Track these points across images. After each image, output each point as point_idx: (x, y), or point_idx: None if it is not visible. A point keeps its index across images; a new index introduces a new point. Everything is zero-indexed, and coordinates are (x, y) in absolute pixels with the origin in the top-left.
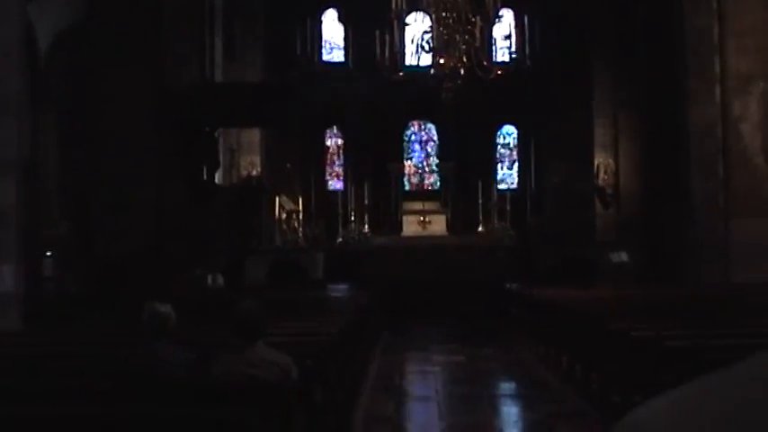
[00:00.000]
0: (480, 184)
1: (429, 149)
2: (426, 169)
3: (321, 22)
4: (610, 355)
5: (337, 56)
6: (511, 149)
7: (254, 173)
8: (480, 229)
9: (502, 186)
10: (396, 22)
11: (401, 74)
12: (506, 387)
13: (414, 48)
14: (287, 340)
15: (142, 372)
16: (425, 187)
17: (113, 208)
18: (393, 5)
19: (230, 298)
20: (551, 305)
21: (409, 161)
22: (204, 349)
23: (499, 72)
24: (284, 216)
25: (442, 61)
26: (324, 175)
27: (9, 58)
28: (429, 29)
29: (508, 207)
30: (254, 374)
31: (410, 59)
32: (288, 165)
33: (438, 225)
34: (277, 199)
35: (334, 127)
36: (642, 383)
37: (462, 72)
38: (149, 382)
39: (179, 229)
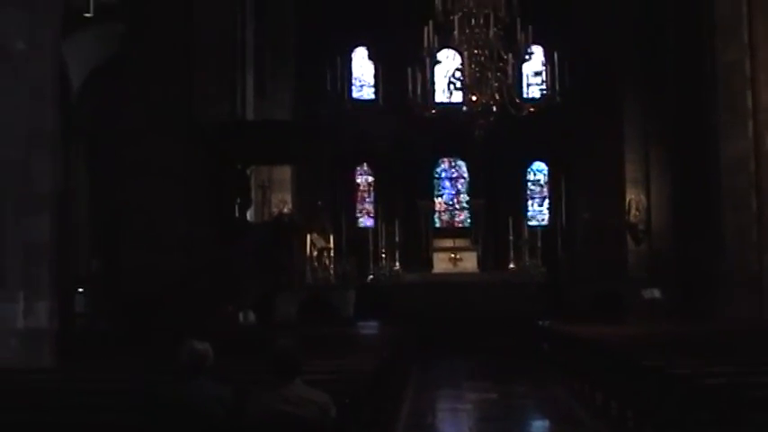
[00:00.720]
0: (511, 220)
1: (459, 186)
2: (457, 206)
3: (351, 59)
4: (645, 391)
5: (367, 93)
6: (541, 186)
7: (286, 210)
8: (511, 265)
9: (532, 223)
10: (427, 60)
11: (433, 111)
12: (540, 425)
13: (445, 85)
14: (319, 378)
15: (181, 408)
16: (456, 224)
17: (143, 244)
18: (425, 43)
19: (264, 335)
20: (584, 341)
21: (439, 198)
22: (241, 386)
23: (531, 109)
24: (315, 253)
25: (474, 98)
26: (354, 212)
27: (44, 93)
28: (460, 66)
29: (539, 243)
30: (291, 412)
31: (441, 96)
32: (319, 202)
33: (469, 262)
34: (308, 236)
35: (365, 164)
36: (677, 420)
37: (494, 109)
38: (188, 418)
39: (209, 266)
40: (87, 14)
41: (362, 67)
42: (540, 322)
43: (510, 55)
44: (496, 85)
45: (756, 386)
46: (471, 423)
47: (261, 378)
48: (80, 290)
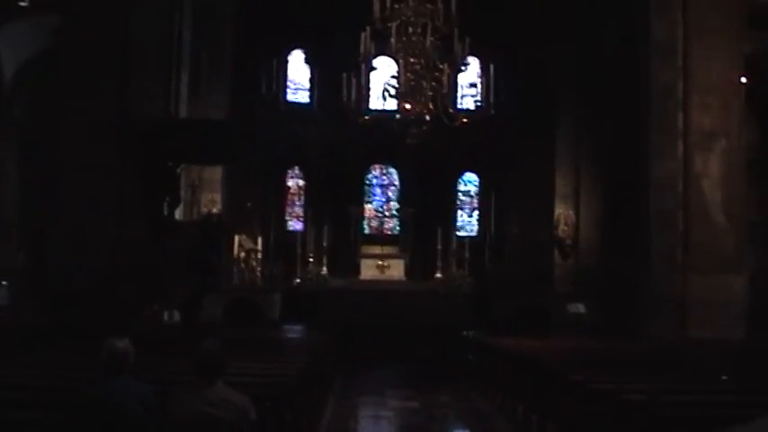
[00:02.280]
0: (440, 230)
1: (390, 194)
2: (386, 214)
3: (287, 62)
4: (567, 406)
5: (302, 97)
6: (471, 197)
7: (215, 210)
8: (438, 275)
9: (461, 233)
10: (363, 66)
11: (366, 117)
12: None
13: (380, 92)
14: (242, 380)
15: (101, 407)
16: (385, 232)
17: (71, 239)
18: (361, 49)
19: (188, 335)
20: (508, 354)
21: (370, 205)
22: (163, 386)
23: (464, 120)
24: (243, 255)
25: (408, 107)
26: (284, 215)
27: None
28: (396, 74)
29: (467, 254)
30: (212, 414)
31: (376, 103)
32: (248, 204)
33: (396, 270)
34: (236, 238)
35: (297, 168)
36: None
37: (428, 118)
38: (108, 417)
39: (137, 264)
40: (23, 3)
41: (298, 71)
42: (466, 333)
43: (446, 65)
44: (431, 94)
45: (676, 404)
46: (392, 430)
47: (184, 378)
48: (4, 282)
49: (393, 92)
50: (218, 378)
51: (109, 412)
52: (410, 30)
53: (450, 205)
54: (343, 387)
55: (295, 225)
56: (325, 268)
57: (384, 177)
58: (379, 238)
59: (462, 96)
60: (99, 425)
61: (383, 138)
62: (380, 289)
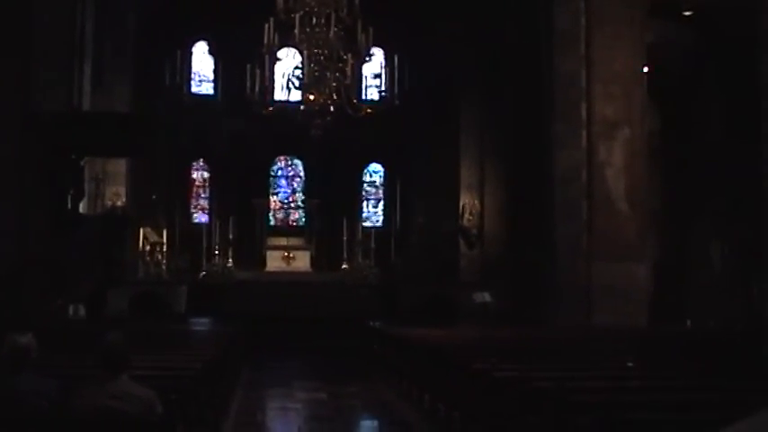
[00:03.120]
0: (345, 221)
1: (295, 185)
2: (292, 205)
3: (191, 53)
4: (473, 394)
5: (206, 88)
6: (377, 187)
7: (119, 203)
8: (344, 266)
9: (367, 224)
10: (267, 57)
11: (270, 109)
12: (368, 425)
13: (284, 83)
14: (147, 374)
15: (3, 403)
16: (290, 223)
17: None
18: (265, 40)
19: (93, 329)
20: (414, 344)
21: (275, 197)
22: (66, 381)
23: (369, 110)
24: (148, 248)
25: (311, 97)
26: (189, 207)
27: None
28: (300, 65)
29: (373, 245)
30: (116, 408)
31: (280, 95)
32: (153, 196)
33: (302, 261)
34: (141, 230)
35: (201, 160)
36: (505, 424)
37: (332, 109)
38: (11, 414)
39: (40, 258)
40: None
41: (202, 62)
42: (372, 324)
43: (350, 56)
44: (335, 85)
45: (581, 390)
46: (300, 422)
47: (87, 373)
48: None
49: (297, 83)
50: (122, 372)
51: (12, 408)
52: (314, 20)
53: (355, 196)
54: (251, 379)
55: (200, 217)
56: (230, 260)
57: (289, 169)
58: (285, 229)
59: (367, 87)
60: (2, 421)
61: (288, 129)
62: (287, 280)
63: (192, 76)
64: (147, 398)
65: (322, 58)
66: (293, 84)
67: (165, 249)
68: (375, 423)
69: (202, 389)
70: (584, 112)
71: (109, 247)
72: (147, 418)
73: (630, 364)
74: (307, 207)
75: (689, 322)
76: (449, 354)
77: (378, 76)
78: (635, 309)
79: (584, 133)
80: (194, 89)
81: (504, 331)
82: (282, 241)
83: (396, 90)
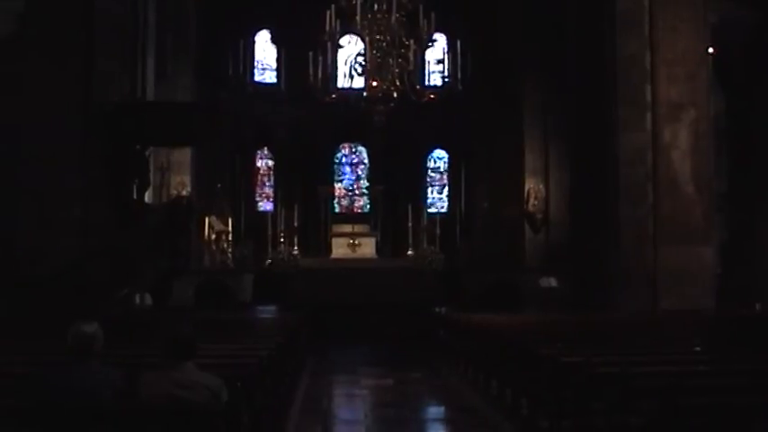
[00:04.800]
0: (410, 207)
1: (359, 172)
2: (356, 192)
3: (254, 42)
4: (539, 380)
5: (269, 77)
6: (441, 173)
7: (185, 193)
8: (409, 252)
9: (432, 210)
10: (329, 44)
11: (333, 96)
12: (435, 411)
13: (346, 70)
14: (214, 362)
15: (68, 393)
16: (355, 210)
17: (38, 225)
18: (327, 27)
19: (158, 318)
20: (480, 329)
21: (339, 184)
22: (132, 370)
23: (431, 96)
24: (213, 237)
25: (374, 84)
26: (254, 196)
27: None
28: (362, 51)
29: (437, 231)
30: (182, 396)
31: (343, 82)
32: (218, 185)
33: (367, 248)
34: (207, 219)
35: (265, 148)
36: (571, 409)
37: (395, 95)
38: (76, 402)
39: (105, 248)
40: None
41: (265, 51)
42: (437, 309)
43: (412, 41)
44: (397, 71)
45: (646, 375)
46: (367, 408)
47: (153, 361)
48: None
49: (360, 70)
50: (188, 360)
51: (76, 397)
52: (375, 7)
53: (419, 182)
54: (316, 366)
55: (265, 205)
56: (296, 248)
57: (353, 156)
58: (350, 216)
59: (430, 73)
60: (67, 410)
61: (351, 116)
62: (352, 267)
63: (255, 64)
64: (213, 386)
65: (384, 44)
66: (356, 71)
67: (230, 238)
68: (441, 409)
69: (267, 377)
70: (648, 95)
71: (174, 236)
72: (213, 406)
73: (698, 348)
74: (371, 194)
75: (758, 306)
76: (514, 339)
77: (440, 61)
78: (702, 292)
79: (648, 116)
80: (257, 78)
81: (570, 316)
82: (347, 228)
83: (459, 75)
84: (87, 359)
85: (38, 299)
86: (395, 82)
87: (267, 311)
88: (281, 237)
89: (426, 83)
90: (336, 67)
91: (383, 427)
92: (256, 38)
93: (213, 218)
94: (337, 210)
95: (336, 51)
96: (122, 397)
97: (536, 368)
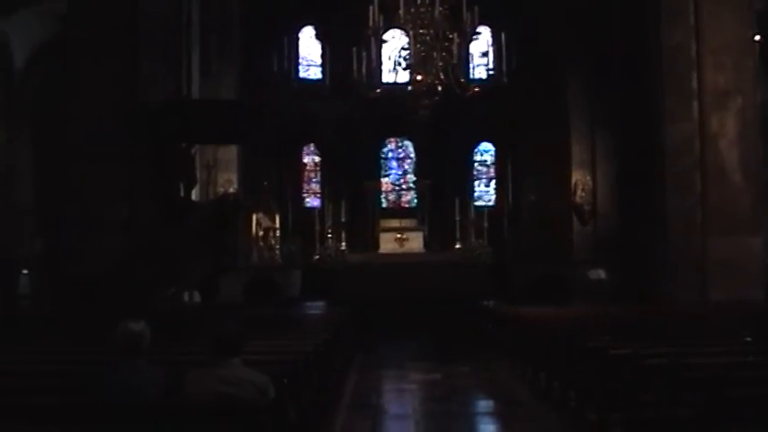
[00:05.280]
0: (457, 201)
1: (406, 167)
2: (403, 186)
3: (298, 39)
4: (587, 373)
5: (314, 73)
6: (488, 166)
7: (231, 190)
8: (457, 246)
9: (479, 203)
10: (373, 39)
11: (378, 91)
12: (484, 405)
13: (391, 65)
14: (262, 359)
15: (116, 390)
16: (402, 205)
17: (85, 225)
18: (370, 22)
19: (206, 315)
20: (528, 322)
21: (386, 178)
22: (179, 367)
23: (476, 89)
24: (261, 233)
25: (419, 78)
26: (301, 192)
27: None
28: (406, 46)
29: (485, 224)
30: (228, 393)
31: (387, 76)
32: (265, 182)
33: (415, 242)
34: (254, 216)
35: (312, 144)
36: (619, 402)
37: (439, 89)
38: (123, 401)
39: (153, 246)
40: None
41: (310, 47)
42: (485, 303)
43: (456, 35)
44: (441, 65)
45: (695, 366)
46: (416, 403)
47: (200, 359)
48: (25, 271)
49: (404, 64)
50: (234, 357)
51: (124, 395)
52: (418, 1)
53: (466, 175)
54: (365, 361)
55: (312, 201)
56: (343, 244)
57: (399, 150)
58: (397, 211)
59: (476, 66)
60: (114, 408)
61: (397, 110)
62: (400, 262)
63: (300, 61)
64: (259, 382)
65: (428, 38)
66: (400, 65)
67: (277, 234)
68: (490, 403)
69: (314, 373)
70: (694, 83)
71: (221, 233)
72: (259, 402)
73: (748, 339)
74: (418, 188)
75: None
76: (562, 332)
77: (485, 54)
78: (752, 283)
79: (695, 104)
80: (302, 74)
81: (618, 309)
82: (395, 223)
83: (504, 68)
84: (134, 358)
85: (85, 298)
86: (439, 76)
87: (315, 307)
88: (328, 232)
89: (471, 76)
90: (381, 62)
91: (432, 421)
92: (300, 34)
93: (260, 215)
94: (384, 205)
95: (380, 46)
96: (168, 395)
97: (584, 361)
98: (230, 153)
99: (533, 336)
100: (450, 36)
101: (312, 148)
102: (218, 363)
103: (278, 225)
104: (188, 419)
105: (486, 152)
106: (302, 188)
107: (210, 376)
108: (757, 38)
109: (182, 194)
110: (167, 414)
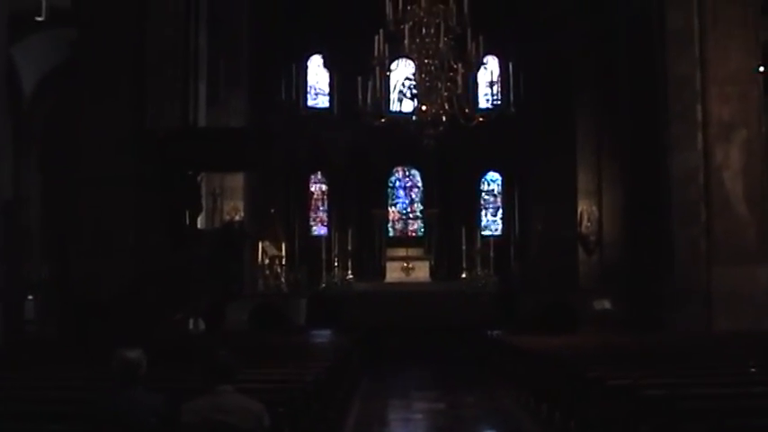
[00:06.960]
0: (464, 230)
1: (413, 196)
2: (410, 215)
3: (306, 67)
4: (588, 403)
5: (322, 101)
6: (495, 196)
7: (237, 218)
8: (464, 275)
9: (486, 232)
10: (378, 69)
11: (383, 120)
12: None
13: (396, 94)
14: (257, 387)
15: (113, 419)
16: (409, 233)
17: (93, 251)
18: (376, 52)
19: (202, 342)
20: (530, 352)
21: (393, 207)
22: (175, 395)
23: (481, 119)
24: (267, 261)
25: (423, 108)
26: (308, 220)
27: None
28: (411, 75)
29: (492, 253)
30: (224, 421)
31: (394, 106)
32: (271, 210)
33: (421, 271)
34: (260, 244)
35: (319, 173)
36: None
37: (444, 119)
38: (120, 429)
39: (159, 273)
40: (39, 18)
41: (318, 75)
42: (490, 333)
43: (461, 64)
44: (446, 94)
45: (695, 397)
46: None
47: (196, 386)
48: (30, 297)
49: (409, 93)
50: (227, 384)
51: (120, 423)
52: (424, 31)
53: (473, 205)
54: (369, 390)
55: (319, 230)
56: (350, 272)
57: (407, 179)
58: (404, 240)
59: (485, 95)
60: None
61: (404, 139)
62: (406, 291)
63: (308, 89)
64: (254, 411)
65: (433, 68)
66: (404, 94)
67: (284, 262)
68: None
69: (315, 400)
70: (699, 114)
71: (227, 261)
72: (256, 430)
73: (753, 370)
74: (425, 217)
75: None
76: (563, 362)
77: (492, 83)
78: (757, 313)
79: (699, 135)
80: (310, 102)
81: (623, 338)
82: (402, 252)
83: (511, 97)
84: (131, 385)
85: (93, 324)
86: (444, 105)
87: (321, 335)
88: (335, 261)
89: (479, 105)
90: (389, 91)
91: None
92: (309, 63)
93: (267, 242)
94: (391, 233)
95: (386, 75)
96: (166, 423)
97: (585, 391)
98: (237, 181)
99: (535, 365)
100: (455, 66)
101: (319, 177)
102: (212, 390)
103: (284, 253)
104: None
105: (493, 181)
106: (309, 216)
107: (206, 404)
108: (762, 69)
109: (187, 222)
110: None
